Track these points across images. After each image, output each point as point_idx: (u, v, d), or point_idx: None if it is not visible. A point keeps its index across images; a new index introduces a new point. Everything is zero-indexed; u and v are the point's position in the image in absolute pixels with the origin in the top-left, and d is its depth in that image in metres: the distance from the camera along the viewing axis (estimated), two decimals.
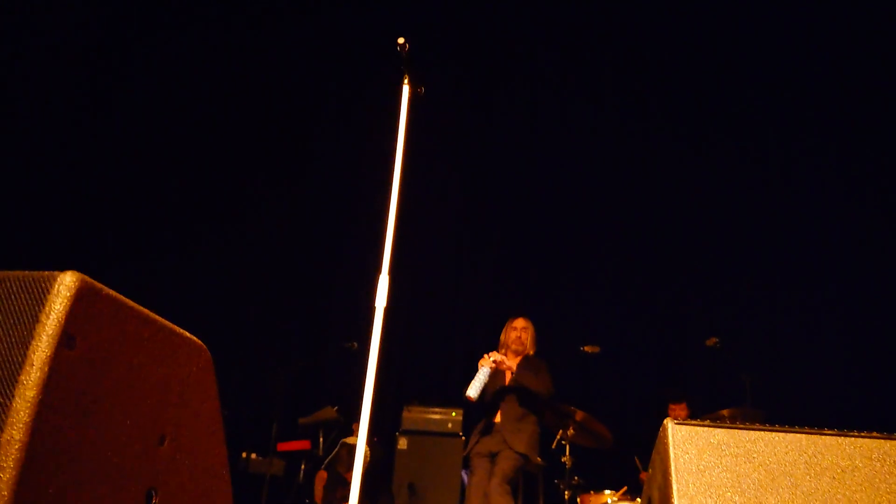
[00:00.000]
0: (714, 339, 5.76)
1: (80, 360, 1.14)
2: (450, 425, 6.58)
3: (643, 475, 5.74)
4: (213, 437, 1.44)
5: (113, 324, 1.21)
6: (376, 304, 2.94)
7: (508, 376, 5.59)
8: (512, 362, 5.62)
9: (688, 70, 8.32)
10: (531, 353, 5.70)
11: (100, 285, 1.19)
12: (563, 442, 5.72)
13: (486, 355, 5.44)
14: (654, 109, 8.37)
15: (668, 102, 8.34)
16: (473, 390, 5.25)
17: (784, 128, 8.00)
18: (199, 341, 1.45)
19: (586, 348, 5.97)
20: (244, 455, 6.82)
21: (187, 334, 1.42)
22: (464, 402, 6.47)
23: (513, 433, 5.29)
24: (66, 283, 1.13)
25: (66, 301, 1.12)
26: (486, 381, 5.31)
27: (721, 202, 7.82)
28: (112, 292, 1.22)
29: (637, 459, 6.01)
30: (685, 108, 8.24)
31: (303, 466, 6.94)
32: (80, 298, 1.14)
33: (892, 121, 7.50)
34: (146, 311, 1.31)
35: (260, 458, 6.91)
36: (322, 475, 6.31)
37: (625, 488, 5.52)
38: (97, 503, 1.16)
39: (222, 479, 1.45)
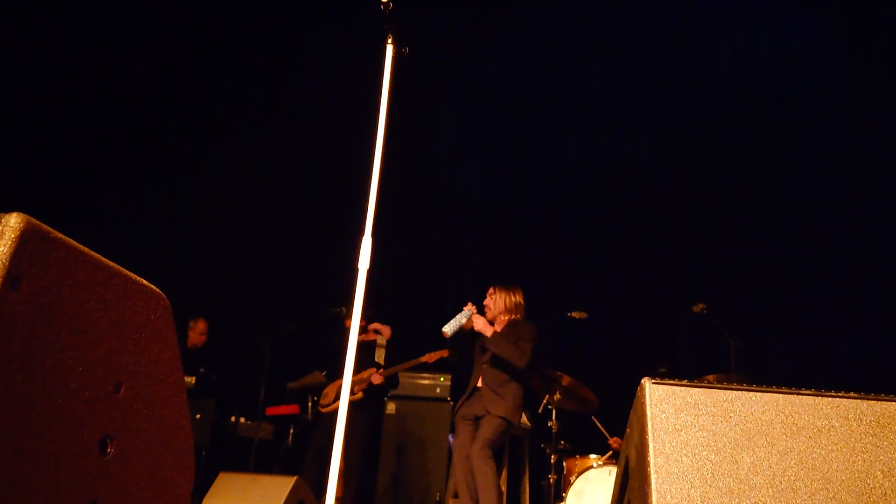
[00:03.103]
0: (701, 305, 5.75)
1: (26, 303, 1.12)
2: (438, 390, 6.61)
3: (612, 441, 5.76)
4: (172, 386, 1.42)
5: (62, 267, 1.18)
6: (359, 267, 2.91)
7: None
8: (498, 327, 5.59)
9: None
10: (517, 318, 5.61)
11: (48, 228, 1.16)
12: (550, 406, 5.75)
13: (469, 302, 5.42)
14: (637, 74, 8.32)
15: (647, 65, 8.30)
16: (449, 327, 5.22)
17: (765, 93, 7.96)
18: (157, 289, 1.42)
19: (573, 314, 5.97)
20: (232, 420, 6.83)
21: (144, 282, 1.40)
22: (452, 366, 6.50)
23: (494, 398, 5.24)
24: (10, 225, 1.10)
25: (10, 242, 1.09)
26: (462, 322, 5.29)
27: (710, 165, 7.80)
28: (61, 236, 1.20)
29: (595, 420, 5.98)
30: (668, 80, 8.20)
31: (291, 431, 6.98)
32: (26, 240, 1.12)
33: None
34: (100, 256, 1.28)
35: (248, 422, 6.93)
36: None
37: (610, 452, 5.57)
38: (46, 448, 1.14)
39: (182, 428, 1.43)
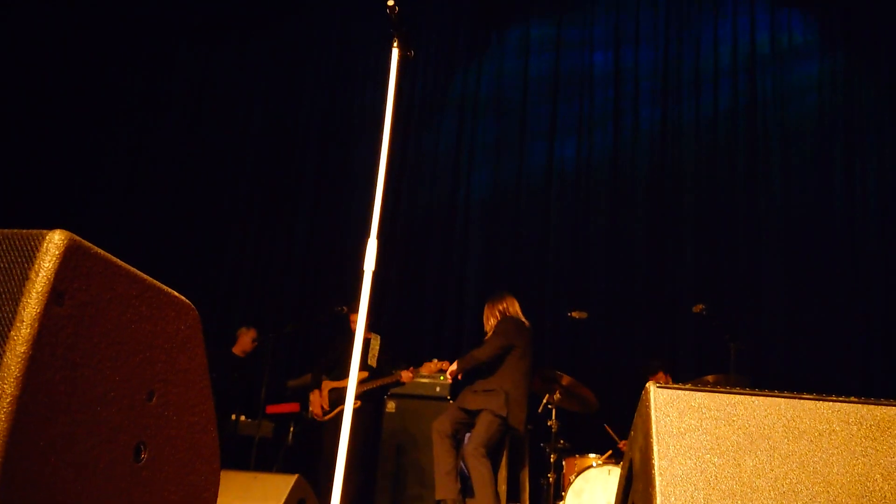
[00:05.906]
0: (700, 306, 5.77)
1: (68, 317, 1.17)
2: (438, 389, 6.63)
3: (621, 444, 5.78)
4: (200, 393, 1.47)
5: (101, 281, 1.23)
6: (365, 268, 2.94)
7: None
8: None
9: None
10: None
11: (88, 244, 1.21)
12: (549, 406, 5.79)
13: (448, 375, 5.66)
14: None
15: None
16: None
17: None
18: (187, 300, 1.47)
19: (574, 314, 6.00)
20: (233, 418, 6.86)
21: (175, 293, 1.44)
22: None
23: (486, 396, 5.30)
24: (54, 242, 1.15)
25: (54, 259, 1.14)
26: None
27: (709, 163, 7.82)
28: (100, 251, 1.24)
29: (608, 427, 6.01)
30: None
31: (291, 429, 7.01)
32: (69, 256, 1.16)
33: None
34: (134, 270, 1.33)
35: (249, 420, 6.96)
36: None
37: (609, 452, 5.60)
38: (87, 455, 1.18)
39: (209, 434, 1.48)
